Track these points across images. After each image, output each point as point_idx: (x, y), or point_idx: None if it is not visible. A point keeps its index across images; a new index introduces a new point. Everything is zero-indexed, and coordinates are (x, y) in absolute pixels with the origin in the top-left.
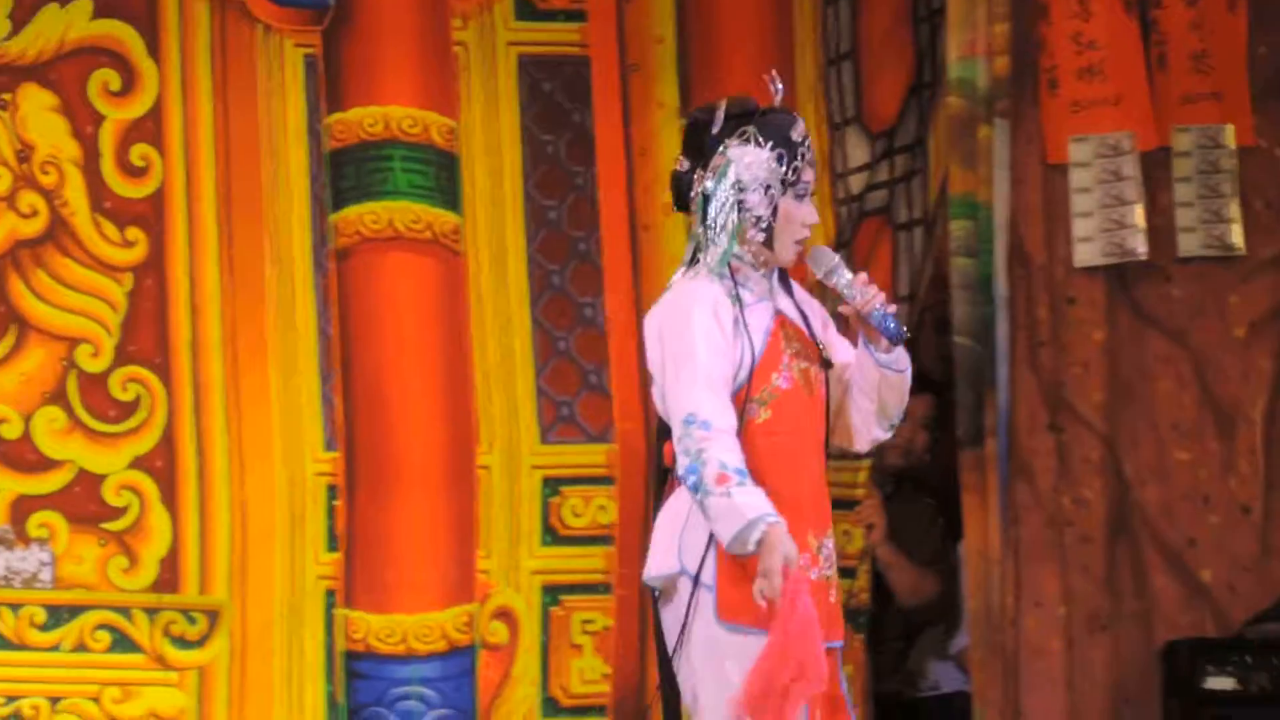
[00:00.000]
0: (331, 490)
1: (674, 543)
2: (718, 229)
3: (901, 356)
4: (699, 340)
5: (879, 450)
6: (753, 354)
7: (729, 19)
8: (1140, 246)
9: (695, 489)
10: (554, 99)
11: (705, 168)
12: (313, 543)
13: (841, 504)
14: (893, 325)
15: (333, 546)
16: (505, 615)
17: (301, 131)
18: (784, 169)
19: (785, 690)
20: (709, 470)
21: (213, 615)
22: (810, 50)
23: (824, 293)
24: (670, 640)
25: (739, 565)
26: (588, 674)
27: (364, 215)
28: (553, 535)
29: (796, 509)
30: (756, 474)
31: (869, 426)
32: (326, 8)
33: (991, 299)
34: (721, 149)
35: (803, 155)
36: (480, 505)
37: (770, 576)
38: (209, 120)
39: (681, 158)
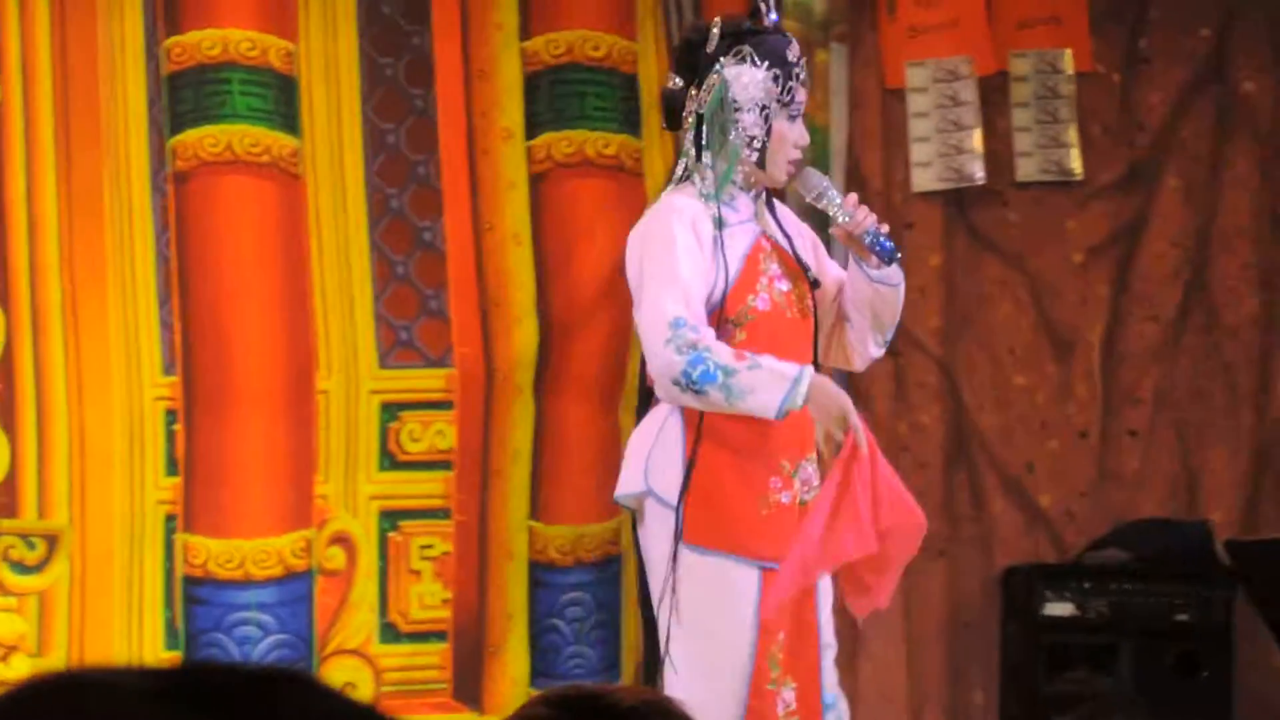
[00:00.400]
0: (170, 415)
1: (641, 462)
2: (713, 149)
3: (894, 271)
4: (680, 256)
5: None
6: (727, 276)
7: None
8: (978, 172)
9: (708, 377)
10: (393, 21)
11: (699, 86)
12: (152, 467)
13: None
14: (887, 244)
15: (172, 471)
16: (343, 541)
17: (140, 54)
18: (779, 89)
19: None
20: (721, 354)
21: (52, 540)
22: None
23: (813, 215)
24: (647, 560)
25: (705, 486)
26: (427, 599)
27: (203, 139)
28: (391, 460)
29: (771, 432)
30: None
31: (864, 344)
32: None
33: (828, 222)
34: (717, 68)
35: (797, 75)
36: (319, 430)
37: (842, 419)
38: (46, 42)
39: (673, 75)
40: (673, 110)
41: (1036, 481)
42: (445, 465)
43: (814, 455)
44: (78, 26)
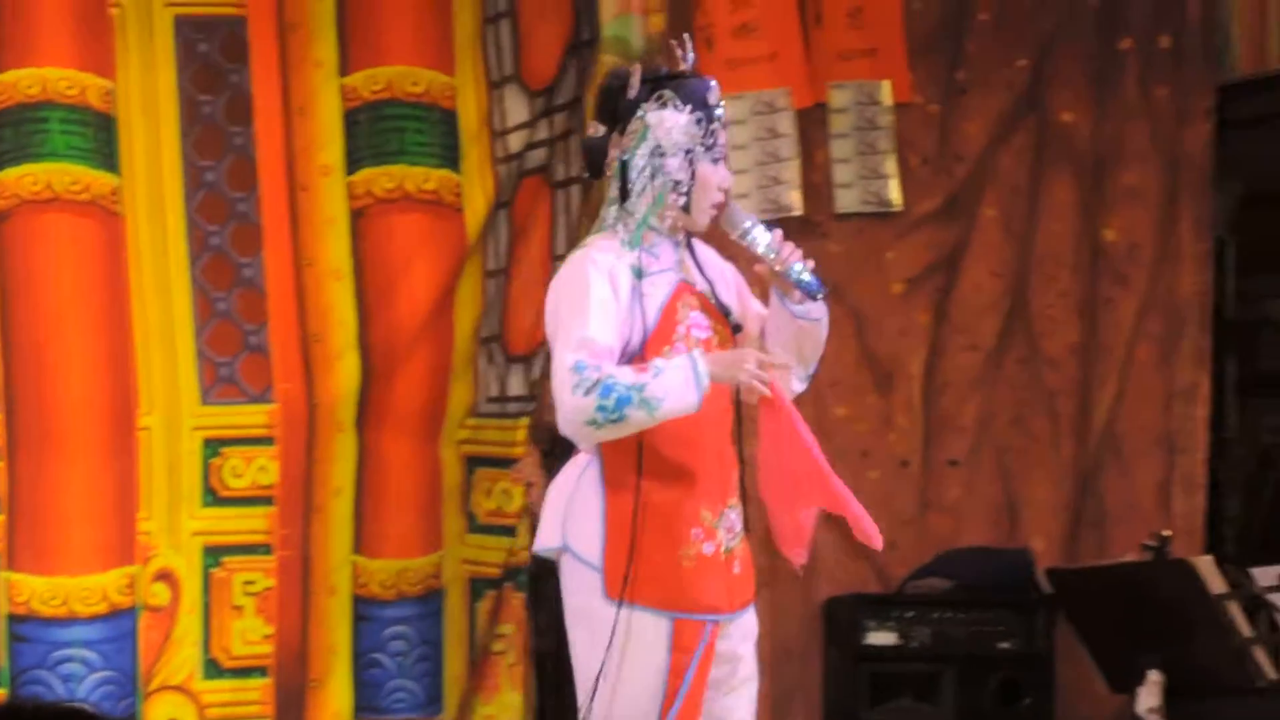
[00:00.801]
0: None
1: (558, 517)
2: (636, 195)
3: (818, 306)
4: (591, 309)
5: (537, 408)
6: (644, 326)
7: None
8: (795, 203)
9: (624, 402)
10: (211, 59)
11: (622, 133)
12: None
13: (500, 462)
14: (812, 281)
15: None
16: (167, 577)
17: None
18: (702, 132)
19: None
20: (623, 375)
21: None
22: (468, 8)
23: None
24: (566, 612)
25: (624, 540)
26: (249, 635)
27: (22, 178)
28: (214, 496)
29: (691, 481)
30: (650, 445)
31: (786, 381)
32: None
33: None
34: (639, 113)
35: (718, 117)
36: (141, 467)
37: (745, 367)
38: None
39: (595, 123)
40: (595, 158)
41: None
42: (268, 501)
43: (736, 501)
44: None
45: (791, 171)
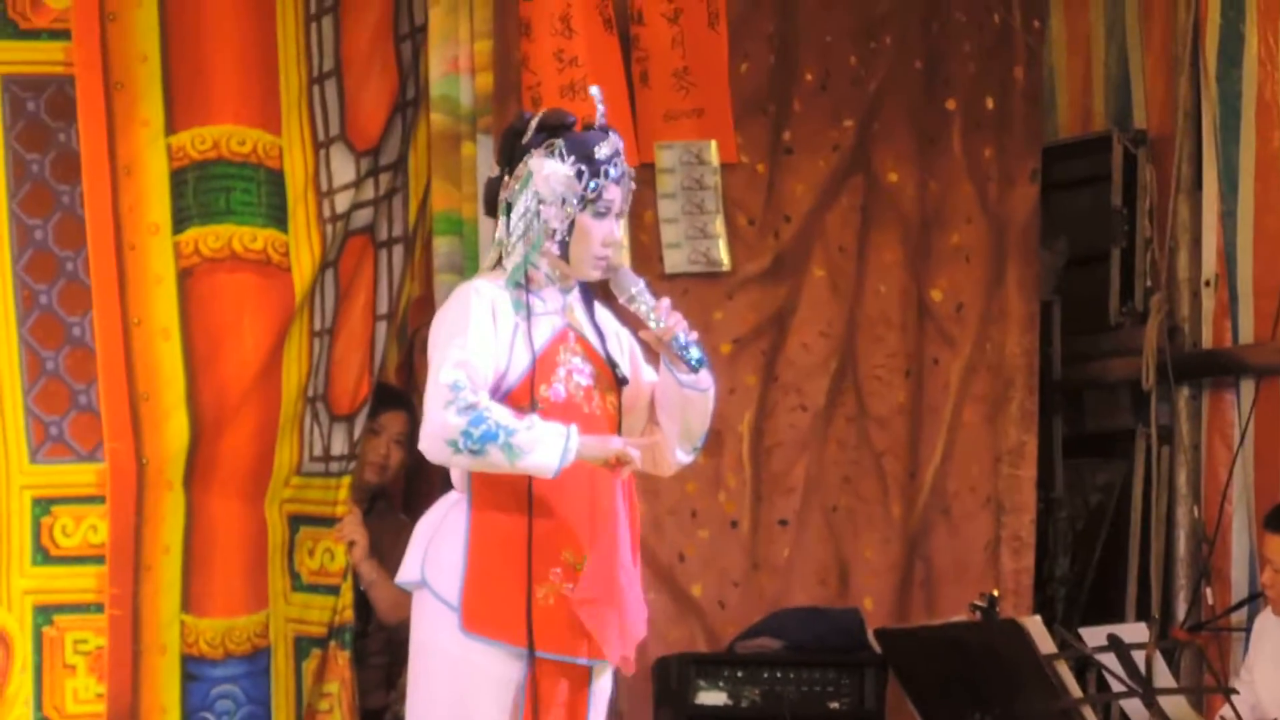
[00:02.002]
0: None
1: (420, 553)
2: (515, 237)
3: (703, 377)
4: (471, 332)
5: (358, 466)
6: (527, 360)
7: (211, 37)
8: (623, 264)
9: (490, 436)
10: (37, 117)
11: (511, 175)
12: None
13: (323, 520)
14: (694, 352)
15: None
16: None
17: None
18: (582, 185)
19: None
20: (500, 414)
21: None
22: (294, 67)
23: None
24: (411, 646)
25: (485, 577)
26: (82, 694)
27: None
28: (44, 555)
29: (560, 523)
30: (515, 485)
31: (671, 450)
32: None
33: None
34: (525, 158)
35: (606, 173)
36: None
37: (618, 451)
38: None
39: (495, 163)
40: (489, 197)
41: (688, 571)
42: (98, 560)
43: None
44: None
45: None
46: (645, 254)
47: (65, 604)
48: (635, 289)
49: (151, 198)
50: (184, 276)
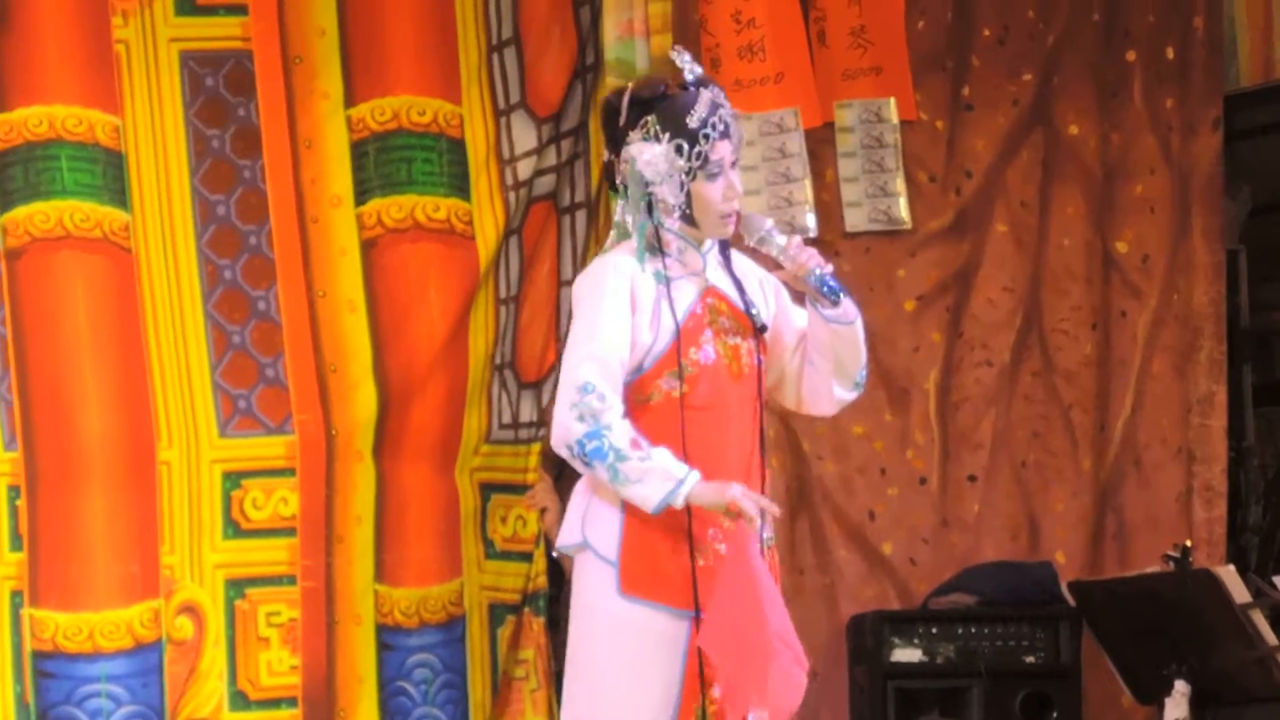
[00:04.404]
0: (13, 490)
1: (579, 515)
2: (634, 226)
3: (848, 309)
4: (605, 316)
5: (547, 434)
6: (675, 328)
7: (390, 8)
8: (809, 223)
9: (599, 454)
10: (218, 93)
11: (618, 158)
12: None
13: (514, 488)
14: (830, 283)
15: (16, 546)
16: (190, 610)
17: None
18: (685, 158)
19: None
20: (618, 436)
21: None
22: (473, 36)
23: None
24: (573, 609)
25: (642, 539)
26: (275, 666)
27: (33, 215)
28: (235, 528)
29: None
30: (669, 446)
31: (829, 387)
32: None
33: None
34: (626, 142)
35: (706, 136)
36: (162, 500)
37: (732, 500)
38: None
39: (605, 148)
40: (609, 180)
41: (878, 529)
42: (289, 532)
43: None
44: None
45: (804, 192)
46: (827, 212)
47: (257, 577)
48: (764, 230)
49: (333, 170)
50: (367, 248)
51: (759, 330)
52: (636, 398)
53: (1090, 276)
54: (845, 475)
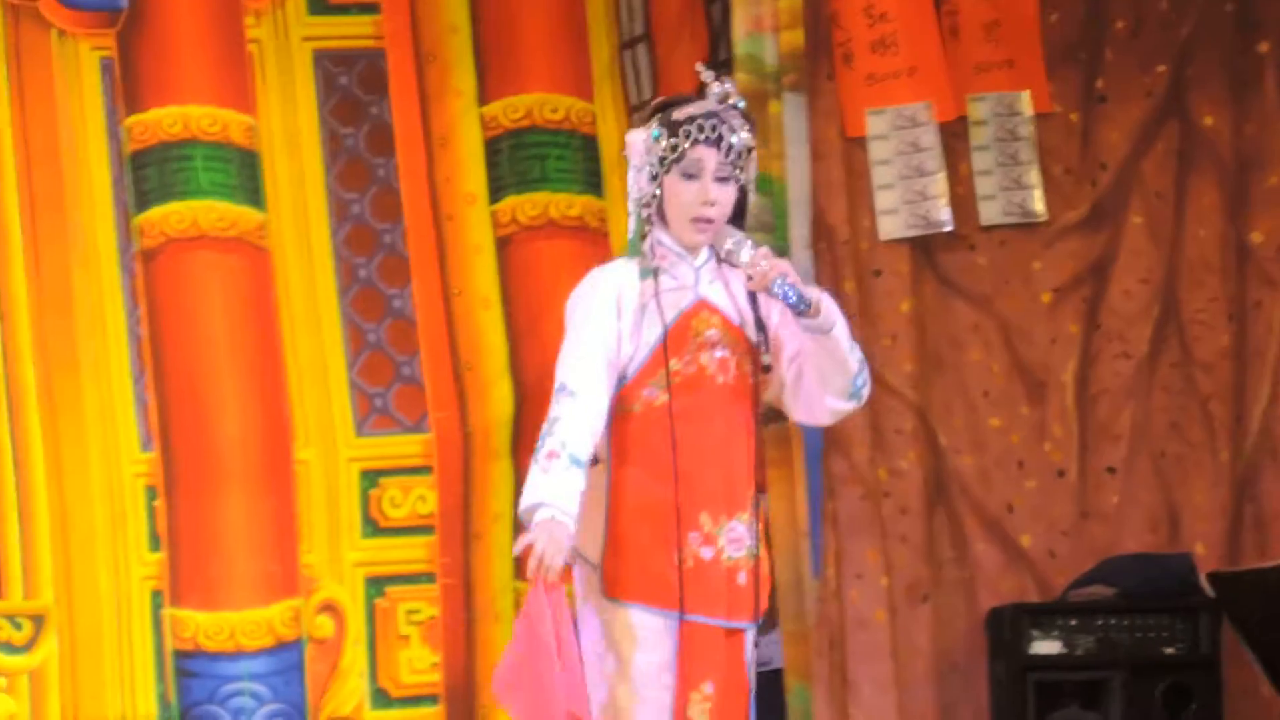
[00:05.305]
0: (151, 490)
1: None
2: (630, 215)
3: (824, 319)
4: (588, 322)
5: None
6: (659, 335)
7: (522, 6)
8: (945, 217)
9: (539, 446)
10: (351, 92)
11: None
12: (135, 543)
13: None
14: (792, 295)
15: (155, 546)
16: (330, 608)
17: (101, 134)
18: (662, 147)
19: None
20: (550, 441)
21: (39, 620)
22: (604, 34)
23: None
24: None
25: (625, 542)
26: (416, 664)
27: (168, 215)
28: (373, 527)
29: (696, 489)
30: (651, 453)
31: (821, 397)
32: (120, 10)
33: None
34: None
35: (687, 132)
36: (300, 499)
37: (525, 548)
38: (7, 127)
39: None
40: None
41: (1017, 522)
42: (427, 530)
43: (746, 515)
44: (37, 111)
45: (939, 186)
46: (961, 206)
47: (396, 575)
48: (731, 243)
49: (467, 168)
50: (502, 245)
51: (755, 346)
52: (620, 408)
53: (1226, 267)
54: (983, 468)
